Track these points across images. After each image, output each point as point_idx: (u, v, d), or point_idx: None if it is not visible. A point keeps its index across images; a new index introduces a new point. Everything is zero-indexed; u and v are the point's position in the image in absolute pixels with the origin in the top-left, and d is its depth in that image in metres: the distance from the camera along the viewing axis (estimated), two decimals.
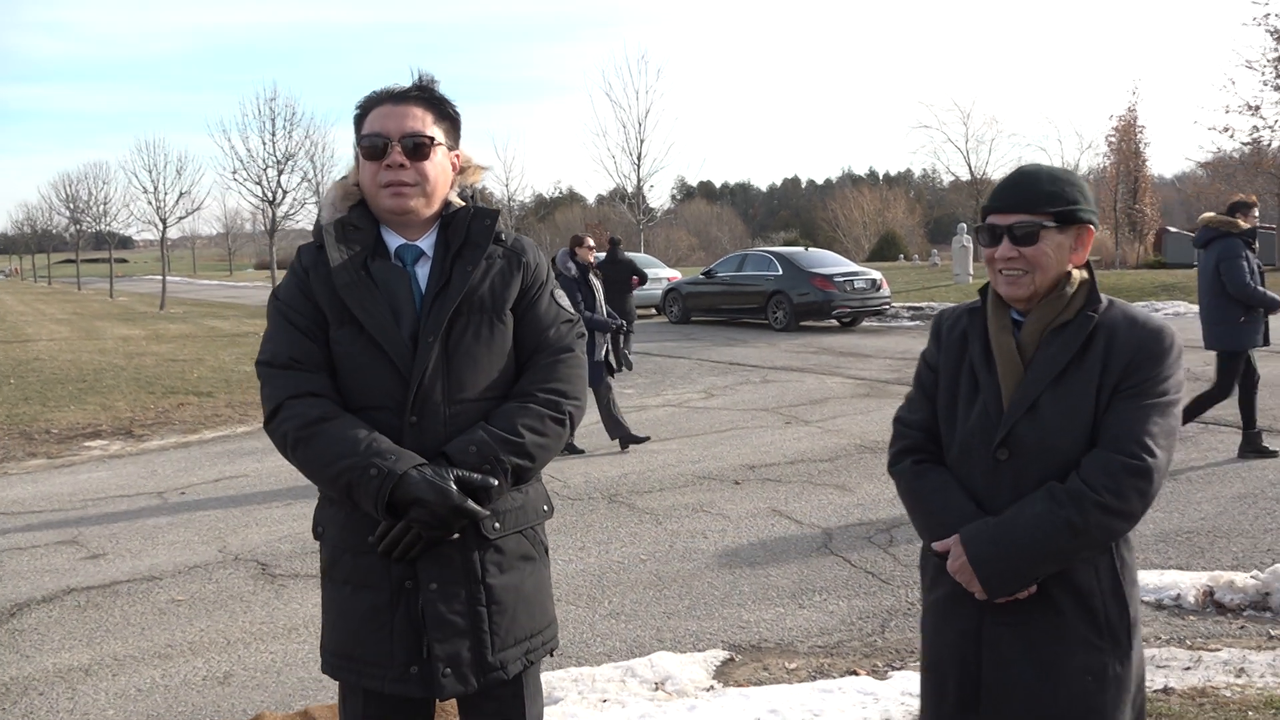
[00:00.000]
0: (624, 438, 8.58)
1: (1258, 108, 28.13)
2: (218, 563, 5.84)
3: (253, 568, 5.72)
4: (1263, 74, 27.94)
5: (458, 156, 2.20)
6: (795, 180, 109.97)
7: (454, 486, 1.95)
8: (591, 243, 8.91)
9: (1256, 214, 7.80)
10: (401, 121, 2.08)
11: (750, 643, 4.43)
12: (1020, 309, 2.06)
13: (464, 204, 2.20)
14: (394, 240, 2.14)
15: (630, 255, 23.31)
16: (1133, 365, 1.96)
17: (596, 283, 8.85)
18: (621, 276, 13.36)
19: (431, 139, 2.10)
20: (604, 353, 8.50)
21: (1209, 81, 44.56)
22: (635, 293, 14.17)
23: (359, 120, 2.16)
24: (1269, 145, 28.29)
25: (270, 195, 21.58)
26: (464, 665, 2.03)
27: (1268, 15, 27.38)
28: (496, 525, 2.09)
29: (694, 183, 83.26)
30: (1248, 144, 28.86)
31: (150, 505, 7.32)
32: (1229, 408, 9.22)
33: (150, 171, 32.99)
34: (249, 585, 5.42)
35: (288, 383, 2.07)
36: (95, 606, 5.17)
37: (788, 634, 4.50)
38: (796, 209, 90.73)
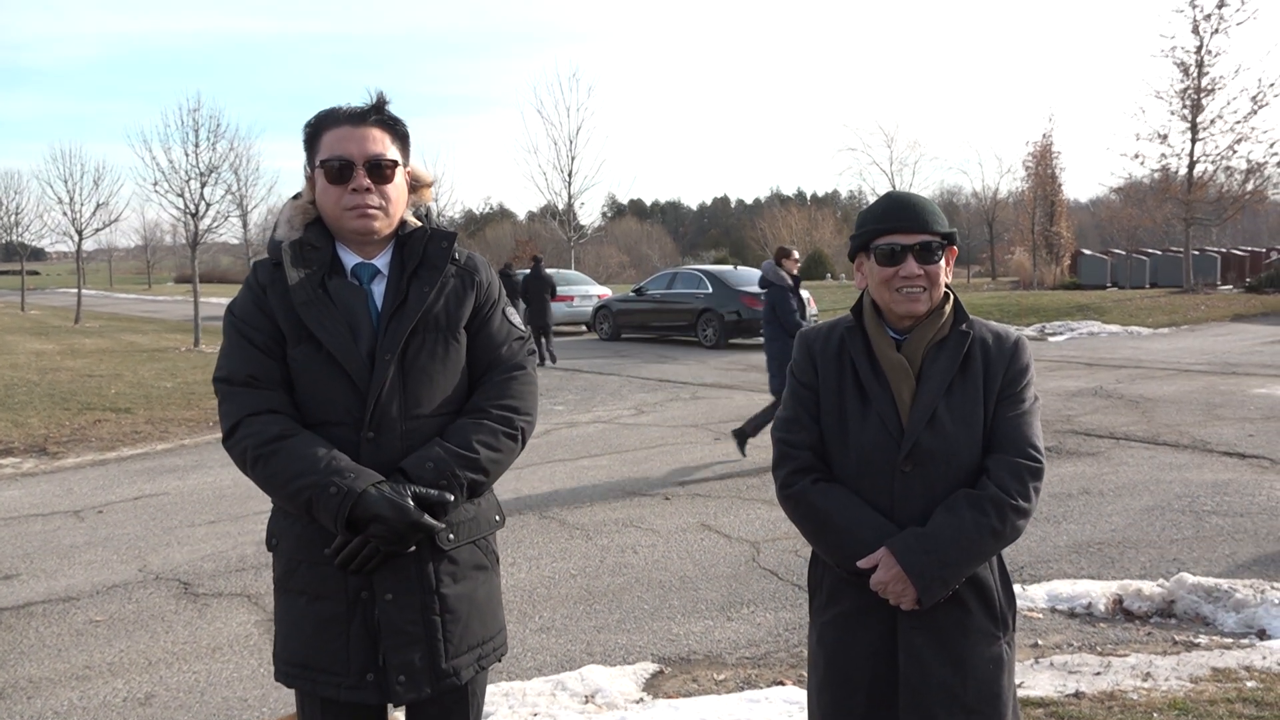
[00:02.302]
0: (741, 440, 8.54)
1: (1165, 136, 29.27)
2: (138, 582, 5.71)
3: (175, 587, 5.60)
4: (1170, 104, 29.07)
5: (409, 174, 2.25)
6: (725, 199, 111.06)
7: (411, 503, 1.99)
8: (797, 255, 8.97)
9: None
10: (364, 145, 2.12)
11: (679, 655, 4.48)
12: (903, 327, 2.16)
13: (419, 223, 2.24)
14: (350, 258, 2.17)
15: (561, 271, 24.74)
16: (1009, 375, 2.13)
17: (805, 293, 8.77)
18: (543, 289, 16.81)
19: (395, 162, 2.16)
20: None
21: (1121, 110, 46.50)
22: (565, 309, 19.87)
23: (312, 139, 2.17)
24: (1176, 172, 29.45)
25: (193, 208, 21.07)
26: (417, 672, 2.08)
27: (1174, 49, 28.55)
28: (451, 537, 2.15)
29: (625, 200, 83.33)
30: (1157, 170, 30.02)
31: (66, 525, 7.12)
32: (1141, 422, 9.60)
33: (66, 181, 31.98)
34: (171, 605, 5.31)
35: (246, 400, 2.09)
36: (8, 629, 5.02)
37: (716, 646, 4.57)
38: (726, 227, 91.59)
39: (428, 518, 2.01)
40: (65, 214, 32.11)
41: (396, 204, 2.18)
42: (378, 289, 2.16)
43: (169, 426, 11.22)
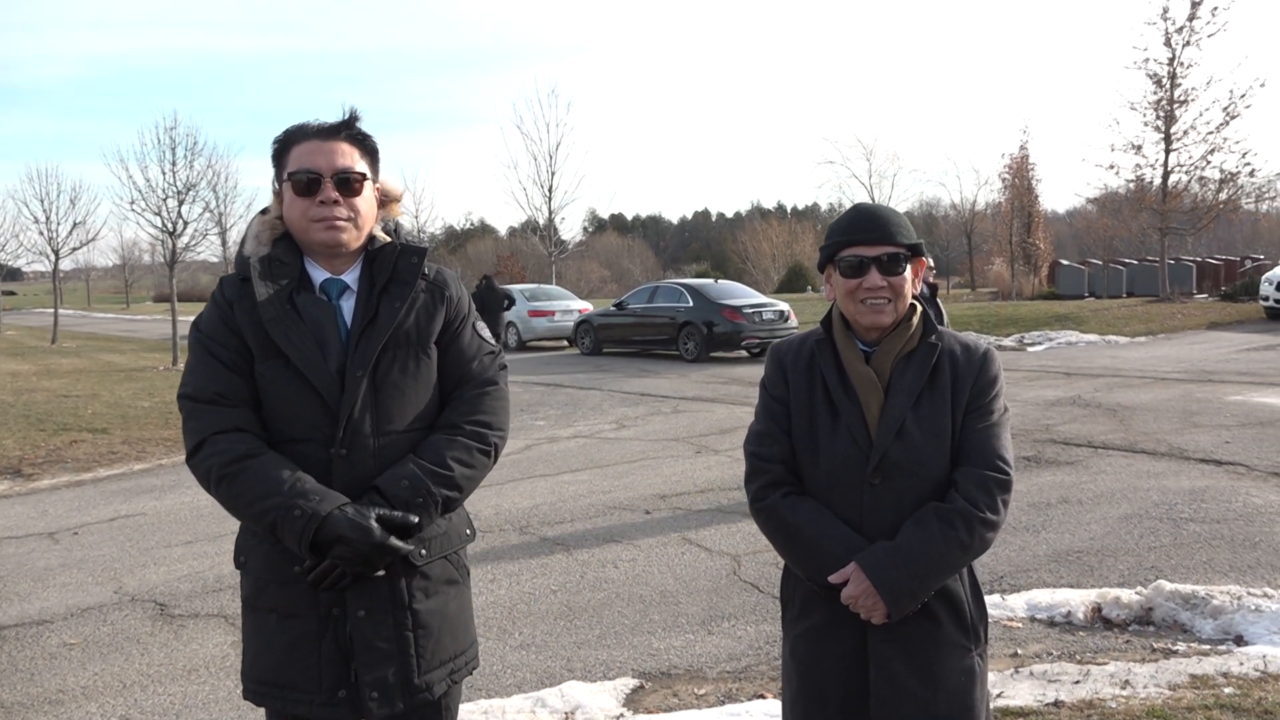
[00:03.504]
0: None
1: (1140, 147, 29.60)
2: (113, 604, 5.64)
3: (150, 608, 5.54)
4: (1144, 115, 29.44)
5: (378, 189, 2.25)
6: (705, 213, 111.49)
7: (376, 525, 1.98)
8: (931, 262, 8.82)
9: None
10: (332, 158, 2.13)
11: (660, 670, 4.46)
12: (870, 338, 2.17)
13: (389, 239, 2.24)
14: (319, 274, 2.17)
15: (541, 286, 25.75)
16: (977, 387, 2.14)
17: (941, 306, 8.75)
18: (496, 301, 20.33)
19: (363, 175, 2.16)
20: None
21: (1096, 121, 47.04)
22: (547, 324, 23.15)
23: (281, 154, 2.18)
24: (1151, 183, 29.76)
25: (170, 226, 20.95)
26: (390, 689, 2.08)
27: (1147, 60, 28.91)
28: (423, 552, 2.15)
29: (605, 215, 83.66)
30: (1132, 181, 30.33)
31: (41, 547, 7.04)
32: (1119, 431, 9.66)
33: (42, 201, 31.82)
34: (146, 626, 5.25)
35: (211, 418, 2.08)
36: None
37: (697, 660, 4.56)
38: (707, 241, 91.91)
39: (393, 540, 2.00)
40: (42, 233, 31.96)
41: (365, 218, 2.18)
42: (347, 304, 2.16)
43: (146, 446, 11.12)
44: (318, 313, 2.11)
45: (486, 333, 2.34)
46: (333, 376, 2.07)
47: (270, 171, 2.24)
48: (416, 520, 2.05)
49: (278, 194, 2.21)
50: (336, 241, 2.13)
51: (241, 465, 2.02)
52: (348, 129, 2.18)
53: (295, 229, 2.16)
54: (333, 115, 2.21)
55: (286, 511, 1.96)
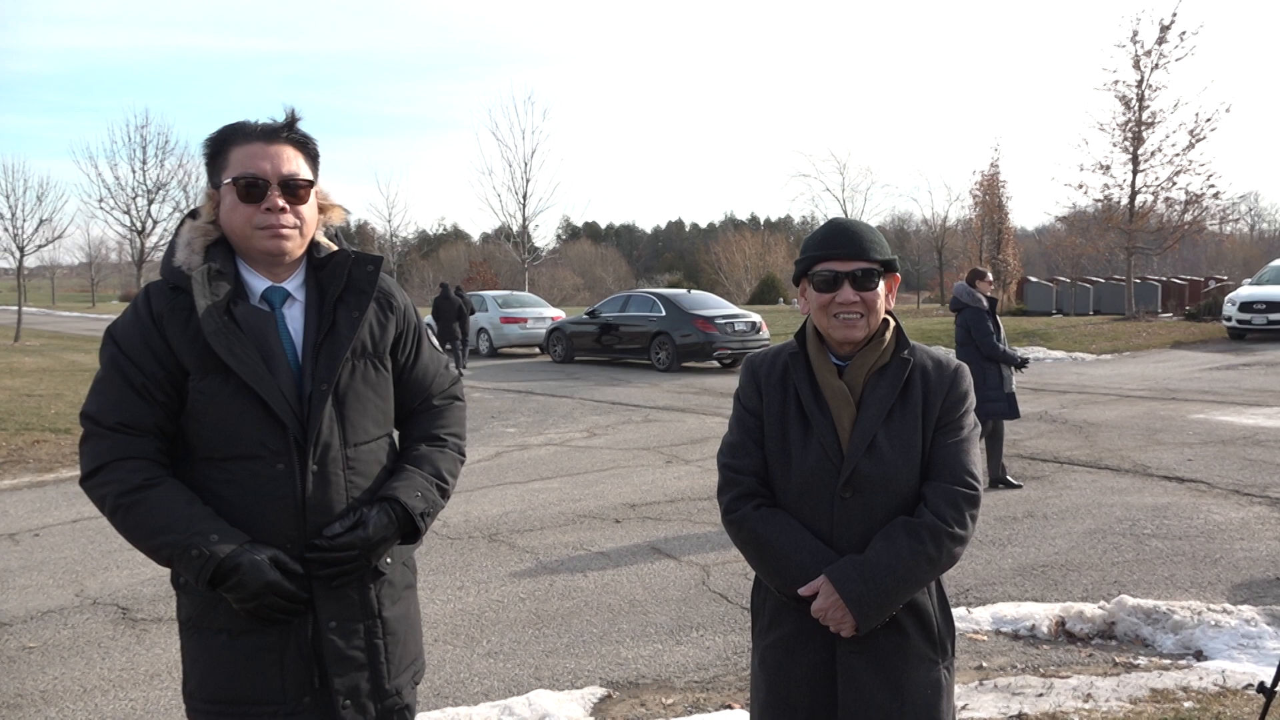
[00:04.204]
0: (996, 479, 8.20)
1: (1108, 167, 30.09)
2: (74, 607, 5.56)
3: (113, 612, 5.47)
4: (1112, 136, 29.96)
5: (318, 194, 2.19)
6: (679, 223, 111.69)
7: (268, 564, 1.94)
8: (991, 276, 8.69)
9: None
10: (278, 163, 2.05)
11: (628, 679, 4.46)
12: (844, 353, 2.18)
13: (333, 246, 2.19)
14: (259, 282, 2.08)
15: (514, 293, 25.91)
16: (948, 402, 2.16)
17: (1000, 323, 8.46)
18: (451, 308, 20.18)
19: (310, 182, 2.10)
20: (1012, 385, 8.21)
21: (1065, 141, 47.65)
22: (519, 331, 23.17)
23: (217, 154, 2.08)
24: (1118, 202, 30.21)
25: (139, 225, 20.76)
26: (363, 696, 2.08)
27: (1116, 82, 29.42)
28: (389, 560, 2.14)
29: (579, 223, 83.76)
30: (1100, 200, 30.79)
31: (0, 548, 6.93)
32: (1084, 447, 9.78)
33: (8, 197, 31.36)
34: (108, 630, 5.18)
35: (112, 445, 1.98)
36: None
37: (665, 670, 4.56)
38: (680, 251, 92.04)
39: (283, 580, 1.95)
40: (6, 230, 31.43)
41: (309, 224, 2.12)
42: (291, 313, 2.09)
43: None
44: (258, 323, 2.03)
45: (435, 342, 2.35)
46: (279, 389, 1.99)
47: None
48: (311, 558, 2.00)
49: (212, 196, 2.10)
50: (282, 250, 2.06)
51: (139, 495, 1.95)
52: (290, 131, 2.10)
53: (236, 235, 2.06)
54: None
55: (184, 550, 1.90)
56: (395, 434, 2.29)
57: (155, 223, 20.91)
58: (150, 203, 20.79)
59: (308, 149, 2.13)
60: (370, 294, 2.13)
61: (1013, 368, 8.25)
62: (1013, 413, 8.19)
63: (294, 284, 2.11)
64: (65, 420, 12.72)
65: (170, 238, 2.17)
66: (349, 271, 2.13)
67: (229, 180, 2.04)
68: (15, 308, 33.68)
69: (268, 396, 1.98)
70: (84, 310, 60.99)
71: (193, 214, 2.14)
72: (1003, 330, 8.33)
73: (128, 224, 20.94)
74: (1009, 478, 8.22)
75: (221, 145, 2.08)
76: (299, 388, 2.03)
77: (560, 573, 6.04)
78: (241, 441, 2.00)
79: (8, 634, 5.16)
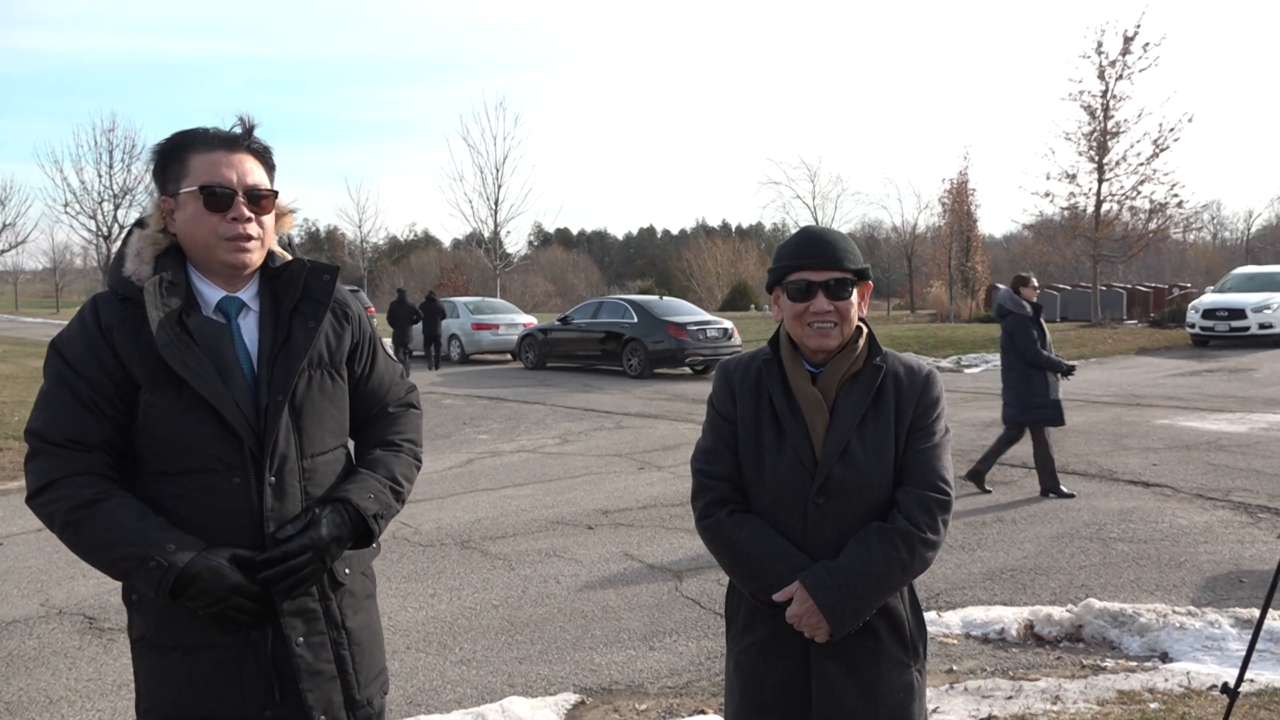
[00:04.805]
0: (1048, 488, 8.03)
1: (1074, 176, 30.49)
2: (39, 617, 5.49)
3: (79, 622, 5.40)
4: (1078, 145, 30.37)
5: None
6: (651, 230, 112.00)
7: (229, 566, 1.91)
8: (1035, 282, 8.49)
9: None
10: (243, 173, 2.02)
11: (601, 685, 4.46)
12: (817, 360, 2.20)
13: (287, 255, 2.17)
14: (213, 292, 2.04)
15: (486, 299, 26.06)
16: (920, 408, 2.19)
17: (1047, 330, 8.32)
18: (406, 314, 21.63)
19: (274, 193, 2.08)
20: (1058, 392, 8.08)
21: (1032, 150, 48.30)
22: (491, 337, 23.65)
23: (170, 161, 2.03)
24: (1084, 211, 30.60)
25: (105, 230, 20.50)
26: (336, 708, 2.06)
27: (1082, 93, 29.83)
28: (347, 570, 2.12)
29: (551, 229, 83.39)
30: (1066, 209, 31.17)
31: None
32: (1057, 453, 9.85)
33: None
34: (74, 640, 5.12)
35: (59, 462, 1.93)
36: None
37: (638, 675, 4.56)
38: (652, 258, 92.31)
39: (246, 583, 1.92)
40: None
41: (269, 235, 2.09)
42: (245, 324, 2.05)
43: None
44: (213, 334, 1.99)
45: (390, 350, 2.34)
46: (233, 402, 1.95)
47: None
48: (265, 557, 1.95)
49: (163, 204, 2.04)
50: (246, 263, 2.03)
51: (89, 511, 1.90)
52: (249, 140, 2.06)
53: (197, 245, 2.01)
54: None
55: (141, 563, 1.86)
56: (351, 444, 2.27)
57: (122, 228, 20.66)
58: (117, 207, 20.59)
59: (266, 159, 2.10)
60: (327, 304, 2.10)
61: (1059, 375, 8.12)
62: (1058, 419, 8.06)
63: (249, 293, 2.08)
64: None
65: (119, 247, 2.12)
66: (305, 281, 2.10)
67: (193, 188, 1.99)
68: None
69: (223, 409, 1.94)
70: (48, 316, 60.15)
71: (139, 223, 2.08)
72: (1048, 336, 8.22)
73: (93, 229, 20.69)
74: (1062, 488, 8.03)
75: (177, 151, 2.03)
76: (255, 399, 1.99)
77: (533, 579, 6.03)
78: (195, 455, 1.95)
79: None
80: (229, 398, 1.95)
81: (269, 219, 2.07)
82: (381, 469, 2.15)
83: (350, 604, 2.12)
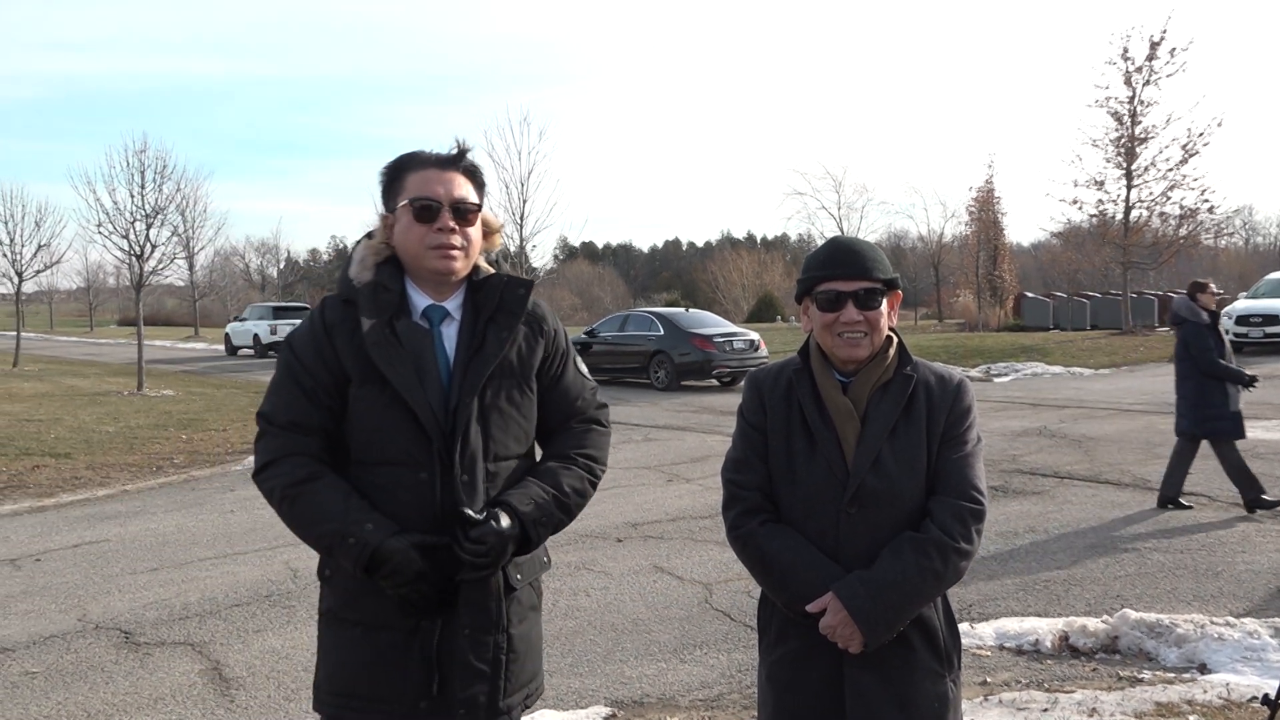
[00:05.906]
0: (1253, 501, 7.62)
1: (1102, 183, 30.22)
2: (76, 632, 5.55)
3: (115, 636, 5.46)
4: (1105, 152, 30.11)
5: (483, 220, 2.32)
6: (676, 242, 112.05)
7: (417, 555, 2.05)
8: (1214, 288, 8.14)
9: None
10: (450, 188, 2.21)
11: (632, 698, 4.46)
12: (848, 370, 2.20)
13: (492, 269, 2.32)
14: (421, 300, 2.22)
15: None
16: (952, 418, 2.18)
17: (1221, 332, 7.97)
18: None
19: (478, 206, 2.25)
20: (1239, 403, 7.79)
21: (1059, 157, 48.08)
22: None
23: (393, 180, 2.25)
24: (1113, 217, 30.32)
25: (138, 249, 20.71)
26: (479, 709, 2.13)
27: (1109, 99, 29.61)
28: (519, 577, 2.22)
29: (577, 243, 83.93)
30: (1094, 216, 30.92)
31: (2, 574, 6.90)
32: (1084, 462, 9.77)
33: (6, 223, 31.38)
34: (111, 655, 5.18)
35: (282, 442, 2.16)
36: None
37: (669, 689, 4.56)
38: (677, 270, 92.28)
39: (426, 567, 2.06)
40: (5, 256, 31.43)
41: (475, 247, 2.26)
42: (448, 331, 2.22)
43: (110, 472, 10.97)
44: (417, 338, 2.17)
45: (584, 368, 2.45)
46: (427, 403, 2.12)
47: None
48: (447, 543, 2.08)
49: (385, 219, 2.27)
50: (450, 270, 2.20)
51: (302, 488, 2.11)
52: (462, 160, 2.26)
53: (409, 254, 2.21)
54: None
55: (341, 539, 2.05)
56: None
57: (154, 247, 20.84)
58: (149, 227, 20.69)
59: (476, 177, 2.29)
60: (519, 316, 2.24)
61: (1239, 386, 7.73)
62: (1238, 432, 7.67)
63: (454, 303, 2.25)
64: (66, 445, 12.72)
65: (164, 262, 2.27)
66: (501, 293, 2.25)
67: (405, 202, 2.20)
68: (14, 333, 33.66)
69: (417, 408, 2.10)
70: (82, 335, 60.97)
71: (368, 235, 2.31)
72: (1227, 346, 7.85)
73: (126, 248, 20.89)
74: (1181, 499, 7.79)
75: (398, 172, 2.25)
76: (446, 402, 2.15)
77: (563, 592, 6.04)
78: (390, 448, 2.13)
79: (10, 659, 5.15)
80: (423, 398, 2.12)
81: (474, 231, 2.25)
82: (548, 478, 2.24)
83: (517, 612, 2.22)
